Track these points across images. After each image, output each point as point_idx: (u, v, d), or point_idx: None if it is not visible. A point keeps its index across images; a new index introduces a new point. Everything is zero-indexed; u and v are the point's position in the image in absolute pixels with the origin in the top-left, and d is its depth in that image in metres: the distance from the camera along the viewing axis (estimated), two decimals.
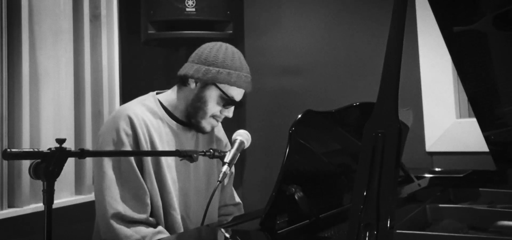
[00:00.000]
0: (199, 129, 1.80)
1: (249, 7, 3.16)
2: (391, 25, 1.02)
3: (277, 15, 3.06)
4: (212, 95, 1.75)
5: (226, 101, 1.75)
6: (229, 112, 1.79)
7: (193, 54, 1.81)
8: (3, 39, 2.30)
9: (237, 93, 1.77)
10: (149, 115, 1.74)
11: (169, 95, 1.83)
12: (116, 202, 1.62)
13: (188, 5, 2.69)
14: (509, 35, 1.46)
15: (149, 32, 2.75)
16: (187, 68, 1.78)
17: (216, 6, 2.75)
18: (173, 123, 1.79)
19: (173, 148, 1.75)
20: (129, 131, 1.66)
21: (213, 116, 1.78)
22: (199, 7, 2.69)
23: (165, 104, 1.81)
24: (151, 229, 1.64)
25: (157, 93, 1.85)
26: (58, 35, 2.56)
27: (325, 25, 2.92)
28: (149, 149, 1.69)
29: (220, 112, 1.78)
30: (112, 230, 1.60)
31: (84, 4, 2.68)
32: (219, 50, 1.77)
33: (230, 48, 1.79)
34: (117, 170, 1.65)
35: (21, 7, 2.35)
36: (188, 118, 1.79)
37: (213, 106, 1.76)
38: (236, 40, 2.83)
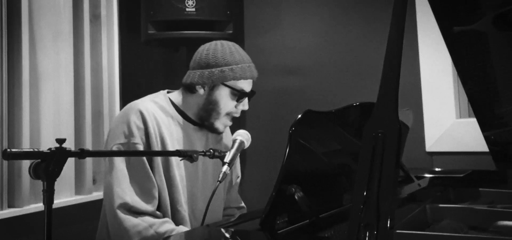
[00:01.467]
0: (213, 130, 1.81)
1: (249, 7, 3.15)
2: (391, 25, 1.02)
3: (277, 15, 3.06)
4: (222, 94, 1.76)
5: (238, 95, 1.76)
6: (245, 105, 1.80)
7: (192, 61, 1.81)
8: (3, 39, 2.30)
9: (245, 85, 1.78)
10: (160, 112, 1.75)
11: (178, 96, 1.84)
12: (124, 193, 1.63)
13: (188, 5, 2.69)
14: (509, 35, 1.46)
15: (149, 32, 2.74)
16: (191, 77, 1.78)
17: (216, 6, 2.75)
18: (183, 122, 1.80)
19: (182, 146, 1.76)
20: (141, 125, 1.67)
21: (228, 114, 1.79)
22: (199, 7, 2.69)
23: (176, 103, 1.82)
24: (158, 219, 1.65)
25: (168, 92, 1.86)
26: (58, 35, 2.56)
27: (325, 25, 2.92)
28: (159, 144, 1.71)
29: (236, 107, 1.78)
30: (118, 220, 1.62)
31: (84, 4, 2.68)
32: (215, 49, 1.77)
33: (225, 43, 1.80)
34: (127, 162, 1.67)
35: (21, 7, 2.35)
36: (201, 121, 1.81)
37: (226, 104, 1.76)
38: (236, 40, 2.81)
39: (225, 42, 1.81)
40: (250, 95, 1.80)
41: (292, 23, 3.02)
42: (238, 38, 2.89)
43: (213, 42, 1.81)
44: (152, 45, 2.96)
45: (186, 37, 2.75)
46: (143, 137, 1.67)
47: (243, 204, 2.07)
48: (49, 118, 2.49)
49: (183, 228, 1.69)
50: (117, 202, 1.63)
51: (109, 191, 1.67)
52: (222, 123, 1.80)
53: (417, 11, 2.56)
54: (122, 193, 1.63)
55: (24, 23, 2.36)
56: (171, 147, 1.72)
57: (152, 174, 1.68)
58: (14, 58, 2.35)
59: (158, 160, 1.70)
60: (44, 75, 2.48)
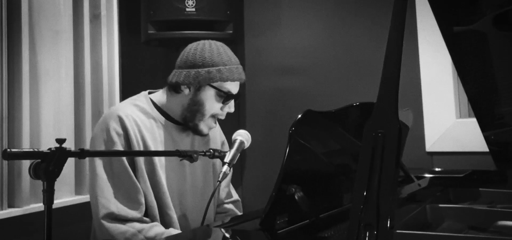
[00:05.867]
0: (197, 132, 1.79)
1: (249, 7, 3.16)
2: (391, 25, 1.02)
3: (277, 15, 3.06)
4: (207, 95, 1.73)
5: (224, 97, 1.73)
6: (230, 107, 1.77)
7: (179, 60, 1.77)
8: (3, 39, 2.30)
9: (232, 87, 1.74)
10: (140, 115, 1.73)
11: (162, 97, 1.80)
12: (109, 202, 1.61)
13: (188, 5, 2.69)
14: (509, 35, 1.46)
15: (149, 32, 2.75)
16: (177, 76, 1.74)
17: (216, 6, 2.75)
18: (167, 122, 1.78)
19: (167, 148, 1.74)
20: (120, 131, 1.65)
21: (213, 116, 1.77)
22: (199, 7, 2.69)
23: (158, 104, 1.79)
24: (146, 224, 1.63)
25: (149, 93, 1.84)
26: (58, 35, 2.56)
27: (325, 25, 2.92)
28: (141, 148, 1.68)
29: (221, 109, 1.76)
30: (104, 230, 1.60)
31: (84, 4, 2.68)
32: (203, 49, 1.74)
33: (213, 43, 1.77)
34: (109, 170, 1.64)
35: (21, 7, 2.35)
36: (185, 122, 1.78)
37: (211, 105, 1.74)
38: (236, 40, 2.83)
39: (213, 42, 1.77)
40: (236, 97, 1.77)
41: (292, 23, 3.02)
42: (238, 38, 2.89)
43: (201, 42, 1.77)
44: (152, 45, 2.96)
45: (186, 37, 2.75)
46: (124, 143, 1.65)
47: (236, 197, 2.03)
48: (49, 118, 2.49)
49: (173, 231, 1.67)
50: (102, 212, 1.60)
51: (94, 201, 1.64)
52: (206, 124, 1.77)
53: (417, 11, 2.57)
54: (106, 202, 1.61)
55: (24, 23, 2.36)
56: (154, 149, 1.71)
57: (136, 180, 1.65)
58: (14, 58, 2.34)
59: (142, 165, 1.67)
60: (44, 75, 2.48)
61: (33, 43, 2.44)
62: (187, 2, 2.69)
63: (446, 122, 2.51)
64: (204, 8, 2.70)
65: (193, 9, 2.69)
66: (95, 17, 2.78)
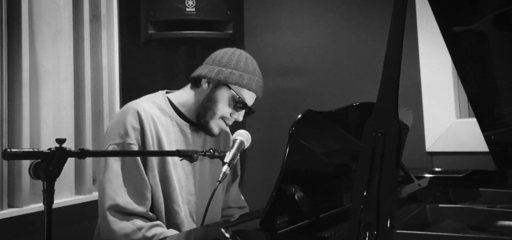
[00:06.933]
0: (207, 130, 1.81)
1: (249, 7, 3.16)
2: (391, 25, 1.02)
3: (277, 15, 3.06)
4: (223, 95, 1.76)
5: (237, 103, 1.76)
6: (239, 115, 1.80)
7: (208, 58, 1.83)
8: (3, 39, 2.30)
9: (248, 97, 1.78)
10: (157, 112, 1.75)
11: (180, 95, 1.84)
12: (116, 194, 1.62)
13: (188, 5, 2.69)
14: (509, 35, 1.46)
15: (149, 32, 2.75)
16: (201, 69, 1.80)
17: (216, 6, 2.75)
18: (182, 122, 1.80)
19: (180, 147, 1.75)
20: (137, 125, 1.67)
21: (222, 118, 1.78)
22: (199, 7, 2.69)
23: (175, 103, 1.82)
24: (148, 222, 1.64)
25: (167, 92, 1.87)
26: (58, 35, 2.56)
27: (325, 25, 2.92)
28: (155, 145, 1.70)
29: (231, 114, 1.79)
30: (107, 222, 1.61)
31: (84, 4, 2.68)
32: (233, 53, 1.80)
33: (244, 53, 1.83)
34: (121, 162, 1.66)
35: (21, 7, 2.35)
36: (198, 119, 1.80)
37: (223, 106, 1.76)
38: (236, 40, 2.83)
39: (245, 52, 1.83)
40: (249, 111, 1.80)
41: (292, 24, 3.02)
42: (238, 38, 2.89)
43: (234, 48, 1.84)
44: (152, 45, 2.96)
45: (186, 37, 2.75)
46: (139, 138, 1.67)
47: (244, 204, 2.06)
48: (49, 118, 2.50)
49: (174, 232, 1.68)
50: (108, 203, 1.62)
51: (101, 191, 1.67)
52: (216, 124, 1.79)
53: (417, 11, 2.57)
54: (113, 194, 1.62)
55: (24, 23, 2.36)
56: (168, 147, 1.72)
57: (145, 175, 1.67)
58: (14, 58, 2.35)
59: (153, 160, 1.69)
60: (44, 75, 2.48)
61: (33, 43, 2.44)
62: (187, 2, 2.69)
63: (446, 122, 2.51)
64: (204, 8, 2.70)
65: (193, 9, 2.69)
66: (95, 17, 2.78)
